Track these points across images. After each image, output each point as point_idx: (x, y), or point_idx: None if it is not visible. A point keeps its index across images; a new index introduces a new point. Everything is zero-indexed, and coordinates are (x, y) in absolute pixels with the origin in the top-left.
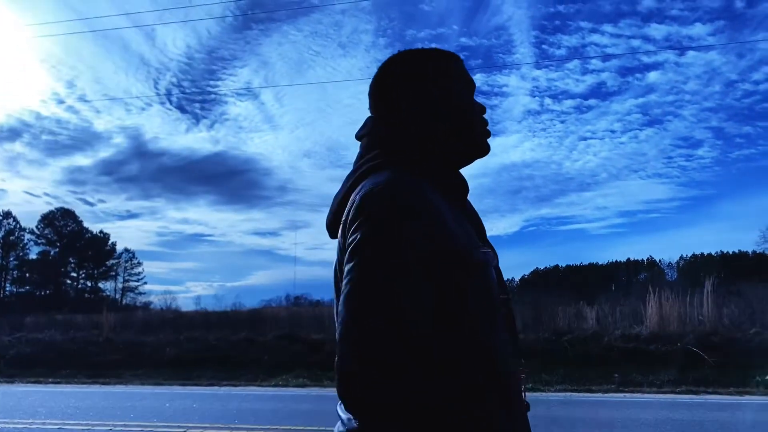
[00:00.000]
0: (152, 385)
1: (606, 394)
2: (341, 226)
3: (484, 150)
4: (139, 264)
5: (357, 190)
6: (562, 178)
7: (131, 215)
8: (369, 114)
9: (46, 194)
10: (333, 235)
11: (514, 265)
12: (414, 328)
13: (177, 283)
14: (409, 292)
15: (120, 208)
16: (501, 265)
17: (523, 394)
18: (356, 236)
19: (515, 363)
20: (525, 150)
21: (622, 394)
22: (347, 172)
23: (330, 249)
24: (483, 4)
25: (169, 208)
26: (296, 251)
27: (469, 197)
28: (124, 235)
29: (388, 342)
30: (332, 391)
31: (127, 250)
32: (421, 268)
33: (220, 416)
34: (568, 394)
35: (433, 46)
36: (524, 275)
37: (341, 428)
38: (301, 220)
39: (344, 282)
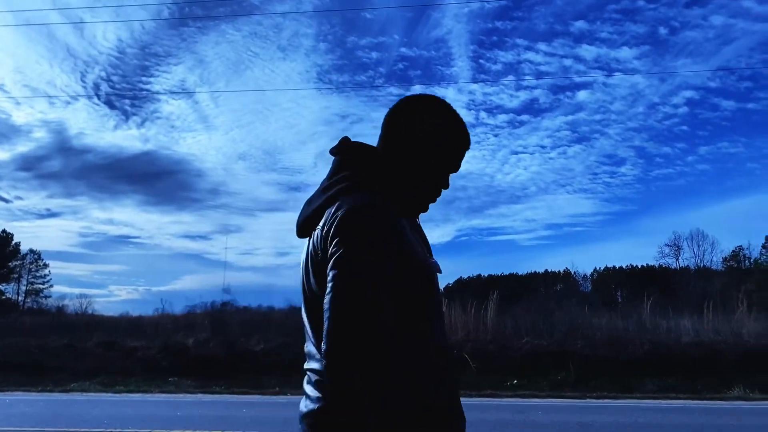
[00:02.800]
0: None
1: None
2: (321, 236)
3: (423, 210)
4: (45, 266)
5: (336, 206)
6: (493, 191)
7: (51, 214)
8: (307, 125)
9: None
10: (301, 236)
11: (446, 274)
12: (384, 329)
13: (99, 287)
14: (382, 299)
15: (39, 206)
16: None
17: (453, 384)
18: (340, 249)
19: (451, 359)
20: None
21: None
22: (283, 176)
23: (261, 255)
24: (424, 16)
25: (93, 207)
26: (227, 256)
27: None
28: (43, 235)
29: (365, 340)
30: (109, 397)
31: (32, 251)
32: (391, 277)
33: None
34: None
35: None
36: (448, 284)
37: (310, 405)
38: (233, 224)
39: (329, 288)
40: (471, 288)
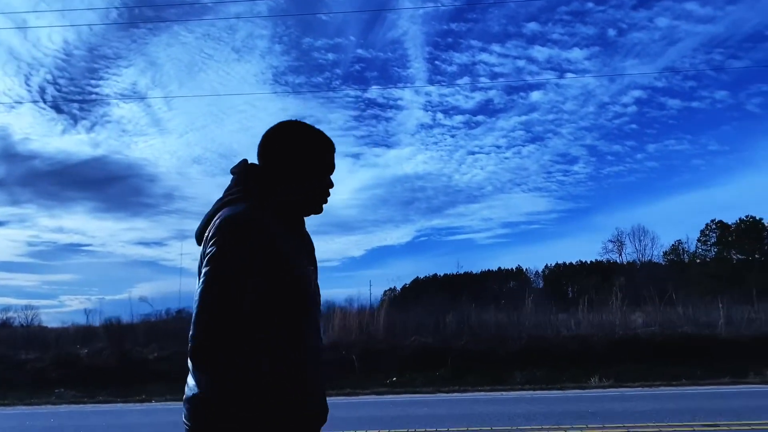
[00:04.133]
0: None
1: None
2: (205, 241)
3: (317, 212)
4: None
5: (219, 215)
6: (451, 190)
7: None
8: (264, 128)
9: None
10: (198, 244)
11: (407, 274)
12: (240, 317)
13: (49, 297)
14: (240, 293)
15: None
16: (393, 273)
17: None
18: (212, 249)
19: (317, 355)
20: (418, 162)
21: None
22: None
23: None
24: (380, 17)
25: (41, 215)
26: (182, 262)
27: (363, 208)
28: None
29: (224, 325)
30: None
31: None
32: (253, 277)
33: None
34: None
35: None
36: (405, 284)
37: (188, 393)
38: (188, 230)
39: (200, 281)
40: (424, 287)
